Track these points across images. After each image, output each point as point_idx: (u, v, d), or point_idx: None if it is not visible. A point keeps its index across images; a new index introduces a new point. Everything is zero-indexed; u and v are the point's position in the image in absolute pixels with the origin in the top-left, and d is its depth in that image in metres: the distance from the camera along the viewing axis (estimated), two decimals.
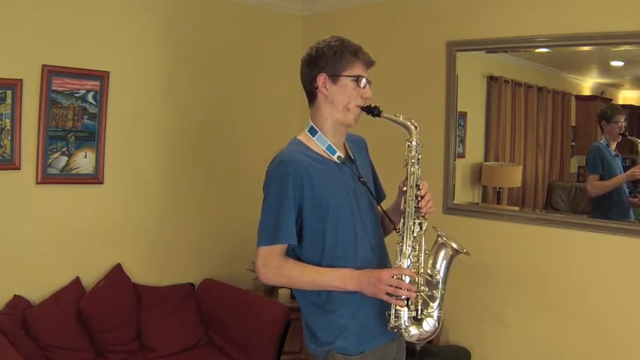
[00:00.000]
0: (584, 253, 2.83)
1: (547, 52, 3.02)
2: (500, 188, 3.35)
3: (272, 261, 1.73)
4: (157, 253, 3.47)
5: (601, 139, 2.94)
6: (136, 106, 3.35)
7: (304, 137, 1.85)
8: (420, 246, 1.74)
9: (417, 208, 1.76)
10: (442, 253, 1.77)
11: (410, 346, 3.04)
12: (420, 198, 1.76)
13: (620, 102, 2.97)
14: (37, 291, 2.93)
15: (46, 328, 2.80)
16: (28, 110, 2.93)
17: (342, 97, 1.78)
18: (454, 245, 1.76)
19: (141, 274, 3.35)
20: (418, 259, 1.73)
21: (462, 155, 3.38)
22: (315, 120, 1.84)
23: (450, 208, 3.31)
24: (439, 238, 1.78)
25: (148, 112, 3.41)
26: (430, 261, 1.76)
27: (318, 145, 1.82)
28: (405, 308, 1.69)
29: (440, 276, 1.74)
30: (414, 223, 1.74)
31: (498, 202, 3.35)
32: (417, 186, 1.77)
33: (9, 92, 2.86)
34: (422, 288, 1.71)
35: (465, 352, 3.21)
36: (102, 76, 3.17)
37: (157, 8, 3.40)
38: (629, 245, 2.68)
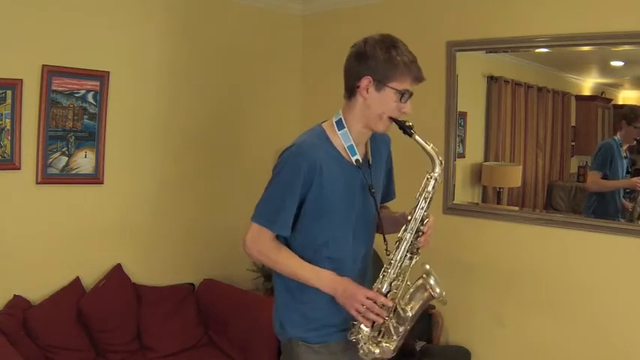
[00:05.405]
0: (584, 253, 2.83)
1: (547, 52, 3.02)
2: (500, 188, 3.35)
3: (261, 240, 1.77)
4: (157, 253, 3.46)
5: (615, 137, 2.92)
6: (136, 106, 3.35)
7: (329, 128, 1.80)
8: (403, 277, 1.76)
9: (414, 243, 1.76)
10: (420, 294, 1.76)
11: (410, 347, 3.05)
12: (420, 233, 1.76)
13: (620, 102, 2.97)
14: (37, 291, 2.93)
15: (46, 328, 2.79)
16: (28, 110, 2.93)
17: (380, 105, 1.71)
18: (434, 292, 1.73)
19: (141, 274, 3.34)
20: (397, 289, 1.75)
21: (462, 155, 3.38)
22: (346, 115, 1.78)
23: (450, 208, 3.31)
24: (421, 279, 1.75)
25: (148, 112, 3.41)
26: (407, 296, 1.76)
27: (340, 141, 1.77)
28: (369, 328, 1.72)
29: (410, 314, 1.74)
30: (406, 255, 1.76)
31: (498, 202, 3.35)
32: (422, 221, 1.76)
33: (9, 92, 2.85)
34: (391, 316, 1.73)
35: (465, 352, 3.21)
36: (102, 76, 3.16)
37: (157, 8, 3.39)
38: (629, 245, 2.69)
